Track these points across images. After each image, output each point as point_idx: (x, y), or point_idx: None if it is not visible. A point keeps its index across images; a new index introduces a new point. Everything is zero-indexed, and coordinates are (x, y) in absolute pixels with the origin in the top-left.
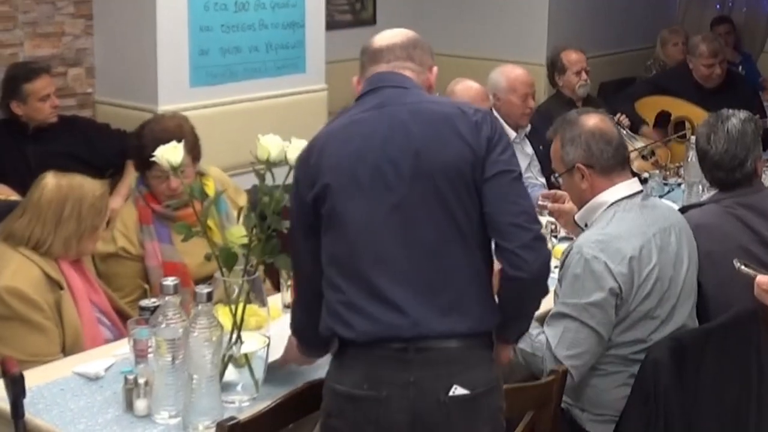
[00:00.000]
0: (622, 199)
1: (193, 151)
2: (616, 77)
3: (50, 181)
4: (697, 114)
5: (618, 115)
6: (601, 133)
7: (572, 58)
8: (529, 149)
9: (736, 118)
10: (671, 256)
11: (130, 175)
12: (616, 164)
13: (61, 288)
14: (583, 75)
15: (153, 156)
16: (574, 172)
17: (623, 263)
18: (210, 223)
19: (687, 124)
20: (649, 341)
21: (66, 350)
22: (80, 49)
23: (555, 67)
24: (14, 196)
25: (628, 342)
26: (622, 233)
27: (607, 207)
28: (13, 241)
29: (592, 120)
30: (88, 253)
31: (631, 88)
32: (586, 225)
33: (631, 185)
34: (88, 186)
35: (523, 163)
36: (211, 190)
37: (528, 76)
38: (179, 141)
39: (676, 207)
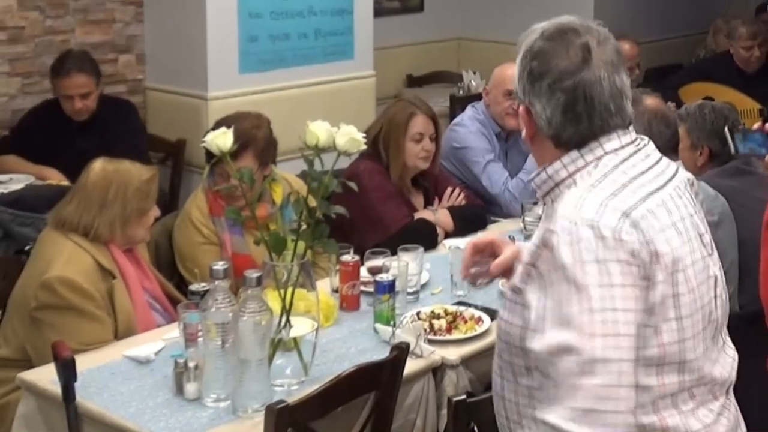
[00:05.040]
0: None
1: (261, 157)
2: (661, 64)
3: (97, 165)
4: (739, 100)
5: (668, 103)
6: (662, 114)
7: (627, 50)
8: None
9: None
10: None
11: None
12: (670, 149)
13: (114, 277)
14: (636, 71)
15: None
16: None
17: None
18: (271, 226)
19: None
20: None
21: (118, 337)
22: (130, 36)
23: None
24: (65, 182)
25: None
26: None
27: None
28: (65, 227)
29: (652, 100)
30: (139, 241)
31: (675, 75)
32: None
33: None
34: (135, 171)
35: None
36: (278, 196)
37: None
38: (246, 146)
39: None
